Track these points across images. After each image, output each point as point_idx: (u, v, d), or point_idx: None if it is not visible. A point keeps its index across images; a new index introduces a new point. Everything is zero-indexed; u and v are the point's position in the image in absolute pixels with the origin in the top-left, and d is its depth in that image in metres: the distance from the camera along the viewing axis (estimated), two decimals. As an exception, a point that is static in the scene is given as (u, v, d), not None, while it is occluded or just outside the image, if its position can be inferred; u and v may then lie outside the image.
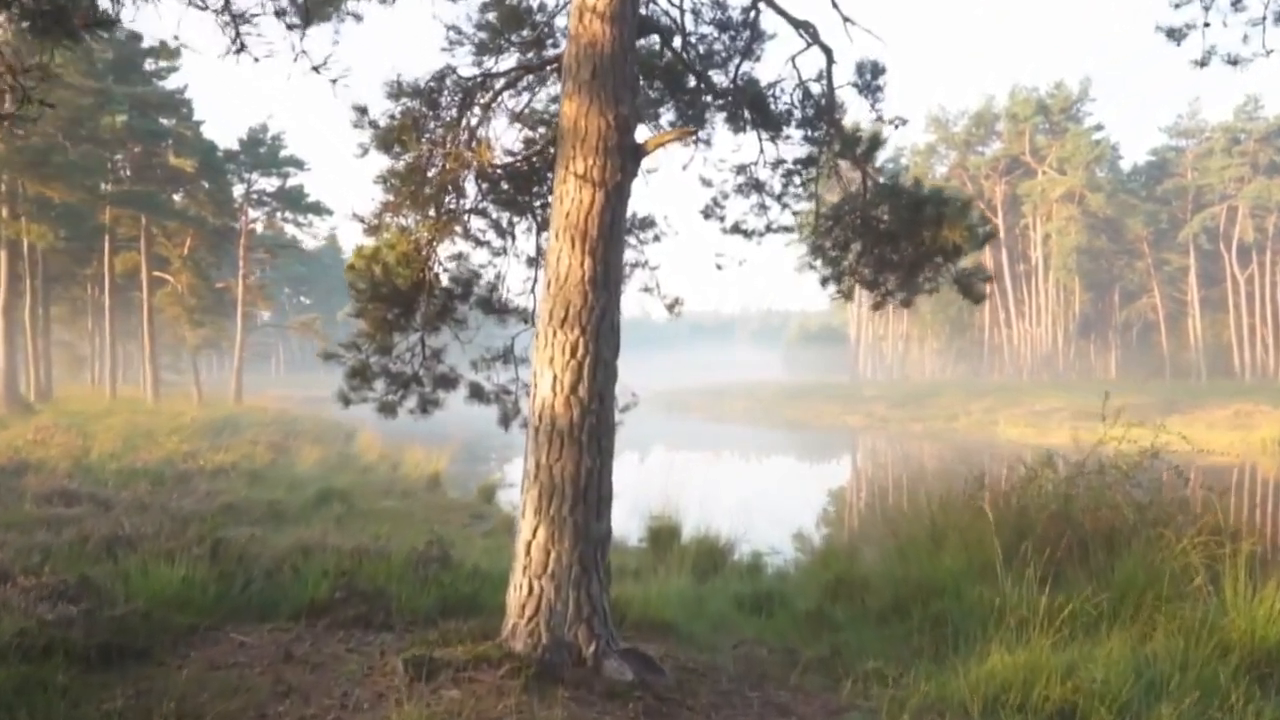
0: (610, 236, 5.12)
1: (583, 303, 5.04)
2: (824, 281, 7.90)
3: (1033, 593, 6.21)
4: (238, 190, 45.74)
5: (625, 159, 5.17)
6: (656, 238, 7.69)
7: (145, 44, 36.81)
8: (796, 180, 7.66)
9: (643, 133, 5.94)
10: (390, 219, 6.37)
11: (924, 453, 37.41)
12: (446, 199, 6.55)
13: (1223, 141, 67.29)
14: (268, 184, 46.68)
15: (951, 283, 6.79)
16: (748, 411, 65.00)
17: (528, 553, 5.04)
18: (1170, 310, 70.66)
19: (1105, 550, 7.52)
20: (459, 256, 6.89)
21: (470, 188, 6.79)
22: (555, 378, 5.02)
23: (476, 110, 6.22)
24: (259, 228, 50.68)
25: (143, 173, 38.92)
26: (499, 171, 6.95)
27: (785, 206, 7.80)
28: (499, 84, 6.34)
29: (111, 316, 41.33)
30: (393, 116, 6.10)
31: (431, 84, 6.09)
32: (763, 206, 7.79)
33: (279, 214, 49.72)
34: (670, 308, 7.70)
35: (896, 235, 6.85)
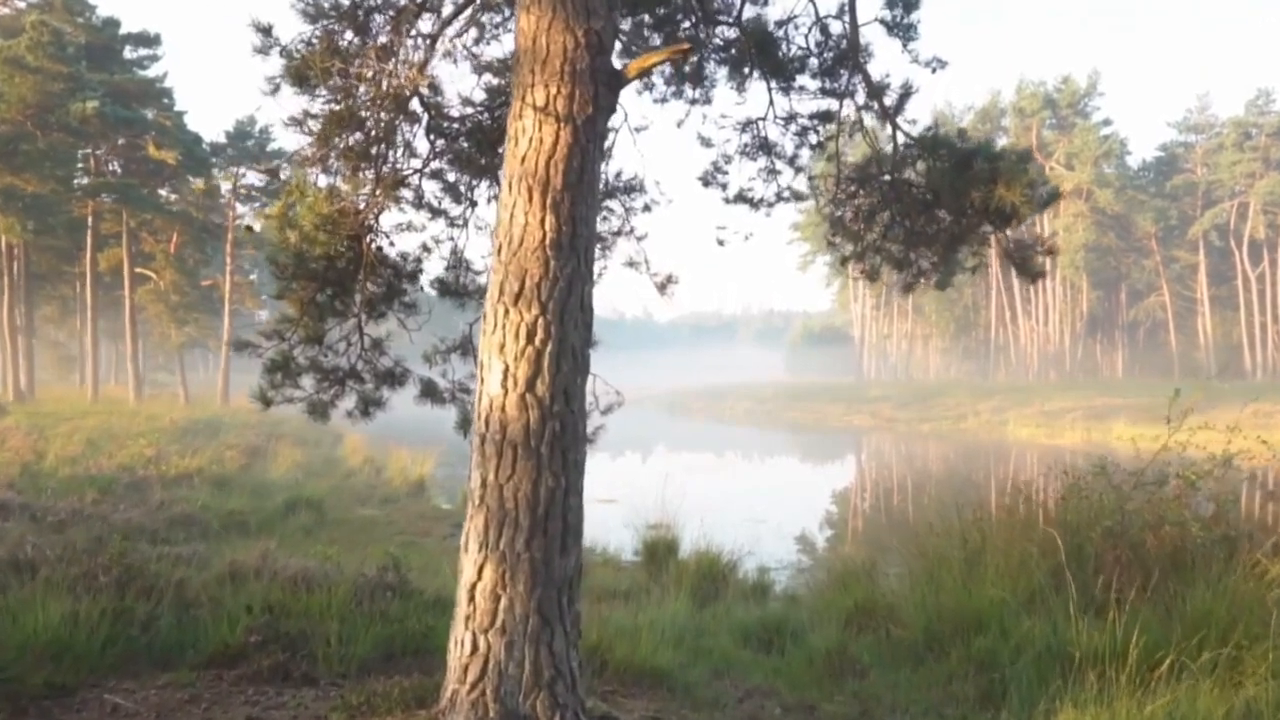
0: (579, 187, 3.93)
1: (543, 272, 3.85)
2: (844, 261, 6.72)
3: (1094, 629, 5.15)
4: (225, 184, 44.51)
5: (598, 88, 3.99)
6: (647, 206, 6.45)
7: (124, 30, 35.61)
8: (812, 139, 6.45)
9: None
10: (312, 174, 5.18)
11: (935, 454, 36.26)
12: (391, 154, 5.36)
13: (1233, 137, 66.05)
14: (256, 178, 45.42)
15: (1003, 257, 5.59)
16: (751, 413, 64.04)
17: (471, 599, 3.86)
18: (1179, 309, 69.40)
19: (1173, 576, 6.42)
20: (407, 226, 5.68)
21: (421, 144, 5.59)
22: (506, 370, 3.84)
23: (418, 41, 5.03)
24: (255, 224, 49.45)
25: (125, 166, 37.68)
26: (456, 126, 5.76)
27: (798, 170, 6.59)
28: (446, 9, 5.16)
29: (96, 314, 40.13)
30: (309, 42, 4.92)
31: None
32: (772, 170, 6.58)
33: (268, 208, 48.50)
34: (662, 287, 6.46)
35: (934, 200, 5.66)
